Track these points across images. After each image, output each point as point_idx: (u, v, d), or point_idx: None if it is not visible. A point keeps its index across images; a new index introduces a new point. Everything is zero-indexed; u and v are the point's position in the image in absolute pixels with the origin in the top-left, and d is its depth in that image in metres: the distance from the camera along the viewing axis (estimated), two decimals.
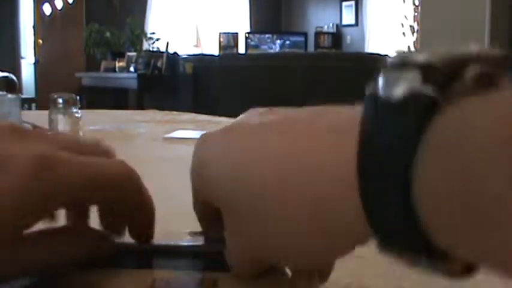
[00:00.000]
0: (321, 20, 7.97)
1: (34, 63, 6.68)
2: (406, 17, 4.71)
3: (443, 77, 0.17)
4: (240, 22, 7.88)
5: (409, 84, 0.18)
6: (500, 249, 0.16)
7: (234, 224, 0.25)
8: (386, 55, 4.97)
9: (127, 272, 0.28)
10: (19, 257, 0.25)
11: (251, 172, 0.23)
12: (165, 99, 4.64)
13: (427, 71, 0.18)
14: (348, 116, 0.21)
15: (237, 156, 0.24)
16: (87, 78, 6.14)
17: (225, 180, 0.25)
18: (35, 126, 0.92)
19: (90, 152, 0.28)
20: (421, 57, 0.18)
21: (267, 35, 7.58)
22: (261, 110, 0.26)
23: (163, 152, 0.93)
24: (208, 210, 0.28)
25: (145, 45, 6.56)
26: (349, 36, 7.71)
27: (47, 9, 6.61)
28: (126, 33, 6.48)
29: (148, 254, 0.30)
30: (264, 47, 7.42)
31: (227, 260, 0.27)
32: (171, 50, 5.07)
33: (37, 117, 1.05)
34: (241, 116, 0.27)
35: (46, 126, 0.86)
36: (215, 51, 6.81)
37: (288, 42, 7.56)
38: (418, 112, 0.17)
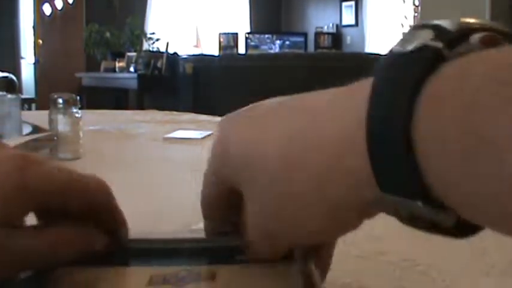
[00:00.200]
0: (321, 20, 7.97)
1: (34, 63, 6.67)
2: (406, 17, 4.71)
3: (451, 37, 0.19)
4: (240, 22, 7.88)
5: (421, 40, 0.20)
6: (491, 202, 0.17)
7: (254, 198, 0.26)
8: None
9: (124, 269, 0.28)
10: (12, 247, 0.25)
11: (270, 143, 0.24)
12: (165, 100, 4.64)
13: (439, 30, 0.20)
14: (361, 82, 0.23)
15: (256, 132, 0.26)
16: (87, 78, 6.15)
17: (245, 154, 0.26)
18: (35, 126, 0.92)
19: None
20: (436, 21, 0.20)
21: (267, 35, 7.58)
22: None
23: (163, 152, 0.93)
24: (222, 195, 0.29)
25: (145, 46, 6.56)
26: (349, 36, 7.71)
27: (47, 9, 6.61)
28: (126, 33, 6.48)
29: (145, 251, 0.30)
30: (264, 47, 7.42)
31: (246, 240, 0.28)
32: (171, 50, 5.07)
33: (37, 117, 1.05)
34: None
35: (46, 126, 0.86)
36: (215, 52, 6.81)
37: (288, 42, 7.56)
38: (424, 61, 0.19)
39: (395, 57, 0.21)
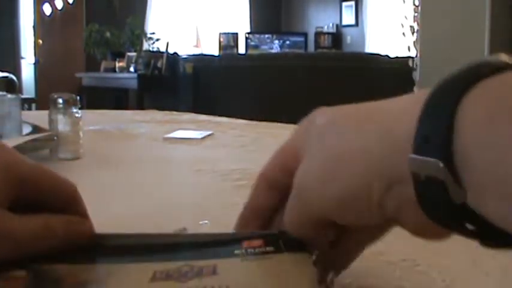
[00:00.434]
0: (321, 20, 7.97)
1: (34, 63, 6.67)
2: (406, 17, 4.71)
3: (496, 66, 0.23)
4: (240, 22, 7.88)
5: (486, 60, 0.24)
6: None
7: (312, 155, 0.28)
8: (387, 55, 4.94)
9: (127, 266, 0.28)
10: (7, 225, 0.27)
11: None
12: (165, 99, 4.64)
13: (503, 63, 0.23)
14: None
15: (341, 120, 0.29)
16: (87, 78, 6.14)
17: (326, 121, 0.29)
18: (35, 126, 0.92)
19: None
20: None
21: (267, 35, 7.58)
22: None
23: (163, 152, 0.93)
24: (272, 201, 0.32)
25: (146, 46, 6.56)
26: (349, 36, 7.71)
27: (47, 9, 6.61)
28: (126, 33, 6.48)
29: (147, 248, 0.30)
30: (264, 47, 7.42)
31: (285, 222, 0.29)
32: (171, 50, 5.07)
33: (37, 117, 1.05)
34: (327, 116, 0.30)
35: (46, 126, 0.86)
36: (215, 52, 6.81)
37: (288, 42, 7.56)
38: (484, 67, 0.23)
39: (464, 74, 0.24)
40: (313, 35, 7.87)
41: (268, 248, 0.29)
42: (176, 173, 0.76)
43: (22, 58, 6.74)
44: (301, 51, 7.23)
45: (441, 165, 0.22)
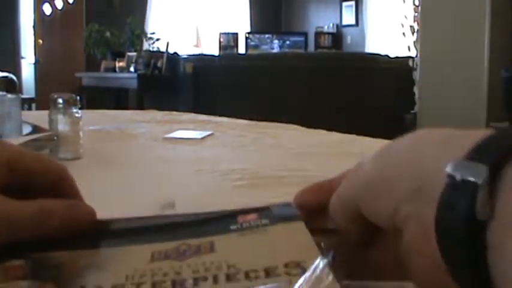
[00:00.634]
0: (321, 20, 7.97)
1: (34, 63, 6.67)
2: (406, 17, 4.70)
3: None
4: (240, 22, 7.88)
5: None
6: None
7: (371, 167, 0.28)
8: (387, 55, 4.93)
9: (126, 249, 0.28)
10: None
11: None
12: (165, 99, 4.64)
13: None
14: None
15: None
16: (87, 78, 6.14)
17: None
18: (35, 126, 0.92)
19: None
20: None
21: (267, 35, 7.58)
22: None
23: (163, 152, 0.93)
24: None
25: (146, 45, 6.56)
26: (349, 36, 7.71)
27: (47, 9, 6.61)
28: (126, 33, 6.48)
29: (144, 230, 0.30)
30: (264, 47, 7.42)
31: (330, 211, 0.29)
32: (171, 50, 5.07)
33: (37, 117, 1.05)
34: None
35: (46, 126, 0.86)
36: (215, 52, 6.81)
37: (288, 42, 7.56)
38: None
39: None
40: (313, 35, 7.87)
41: (263, 221, 0.30)
42: (176, 173, 0.76)
43: (22, 58, 6.74)
44: (301, 51, 7.23)
45: (484, 168, 0.21)
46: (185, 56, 4.73)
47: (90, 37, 6.31)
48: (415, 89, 3.93)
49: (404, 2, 4.90)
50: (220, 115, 1.54)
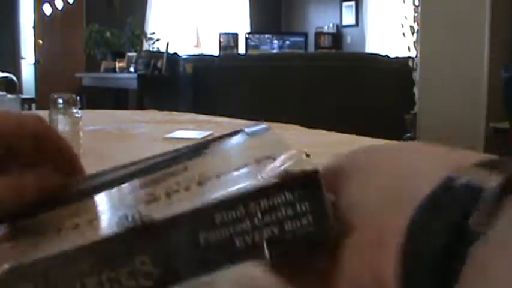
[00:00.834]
0: (321, 20, 7.97)
1: (34, 63, 6.67)
2: (406, 17, 4.70)
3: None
4: (240, 22, 7.88)
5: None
6: None
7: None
8: (387, 55, 4.93)
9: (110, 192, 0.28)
10: None
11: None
12: (165, 100, 4.64)
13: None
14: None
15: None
16: (87, 78, 6.14)
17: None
18: None
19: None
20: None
21: (267, 36, 7.58)
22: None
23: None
24: None
25: (146, 46, 6.56)
26: (349, 36, 7.71)
27: (47, 9, 6.61)
28: (126, 33, 6.48)
29: (125, 176, 0.30)
30: (264, 47, 7.42)
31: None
32: (171, 51, 5.07)
33: None
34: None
35: None
36: (215, 52, 6.81)
37: (288, 42, 7.56)
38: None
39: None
40: (313, 35, 7.87)
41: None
42: None
43: (22, 58, 6.74)
44: (301, 51, 7.23)
45: (498, 176, 0.18)
46: (185, 56, 4.73)
47: (90, 37, 6.31)
48: (415, 89, 3.93)
49: (404, 2, 4.90)
50: (220, 115, 1.54)
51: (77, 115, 0.84)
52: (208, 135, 1.08)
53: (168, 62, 4.87)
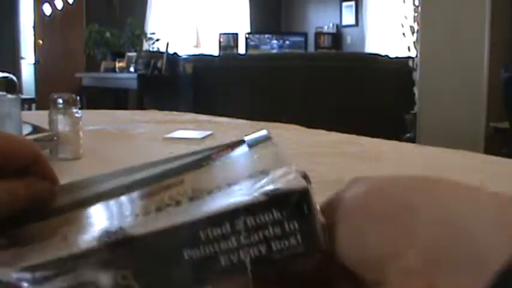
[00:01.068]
0: (321, 20, 7.97)
1: (34, 64, 6.67)
2: (406, 17, 4.71)
3: None
4: (240, 22, 7.88)
5: None
6: None
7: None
8: (387, 55, 4.93)
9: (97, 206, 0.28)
10: None
11: None
12: (165, 100, 4.64)
13: None
14: None
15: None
16: (87, 78, 6.15)
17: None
18: (35, 126, 0.92)
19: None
20: None
21: (267, 35, 7.58)
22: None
23: (163, 152, 0.93)
24: None
25: (146, 46, 6.56)
26: (349, 36, 7.71)
27: (47, 9, 6.61)
28: (126, 33, 6.48)
29: (121, 187, 0.29)
30: (264, 47, 7.42)
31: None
32: (171, 51, 5.07)
33: (37, 117, 1.05)
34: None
35: (46, 126, 0.86)
36: (215, 52, 6.81)
37: (288, 42, 7.56)
38: None
39: None
40: (313, 35, 7.87)
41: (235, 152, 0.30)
42: None
43: (22, 58, 6.74)
44: (301, 51, 7.23)
45: None
46: (185, 56, 4.73)
47: (90, 37, 6.31)
48: (415, 89, 3.93)
49: (404, 2, 4.90)
50: (220, 115, 1.54)
51: (77, 115, 0.84)
52: (208, 135, 1.08)
53: (168, 62, 4.87)
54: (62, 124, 0.82)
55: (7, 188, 0.27)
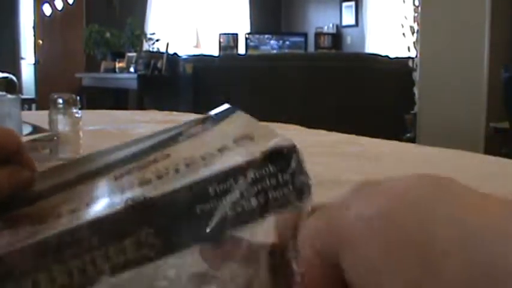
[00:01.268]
0: (321, 20, 7.97)
1: (34, 64, 6.67)
2: (406, 17, 4.71)
3: None
4: (240, 23, 7.88)
5: None
6: None
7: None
8: (387, 55, 4.93)
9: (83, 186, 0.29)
10: None
11: None
12: (165, 100, 4.64)
13: None
14: None
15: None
16: (87, 78, 6.15)
17: None
18: (35, 126, 0.92)
19: None
20: None
21: (267, 36, 7.58)
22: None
23: None
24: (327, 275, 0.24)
25: (146, 46, 6.56)
26: (349, 36, 7.71)
27: (47, 9, 6.61)
28: (126, 33, 6.48)
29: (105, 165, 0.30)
30: (264, 47, 7.42)
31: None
32: (171, 51, 5.07)
33: (37, 117, 1.05)
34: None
35: (46, 126, 0.86)
36: (215, 52, 6.81)
37: (288, 42, 7.56)
38: None
39: None
40: (313, 36, 7.87)
41: (208, 126, 0.31)
42: None
43: (22, 58, 6.74)
44: (301, 51, 7.23)
45: None
46: (185, 57, 4.73)
47: (90, 37, 6.31)
48: (415, 90, 3.93)
49: (404, 2, 4.90)
50: None
51: (77, 115, 0.84)
52: None
53: (168, 62, 4.87)
54: (62, 124, 0.82)
55: None
